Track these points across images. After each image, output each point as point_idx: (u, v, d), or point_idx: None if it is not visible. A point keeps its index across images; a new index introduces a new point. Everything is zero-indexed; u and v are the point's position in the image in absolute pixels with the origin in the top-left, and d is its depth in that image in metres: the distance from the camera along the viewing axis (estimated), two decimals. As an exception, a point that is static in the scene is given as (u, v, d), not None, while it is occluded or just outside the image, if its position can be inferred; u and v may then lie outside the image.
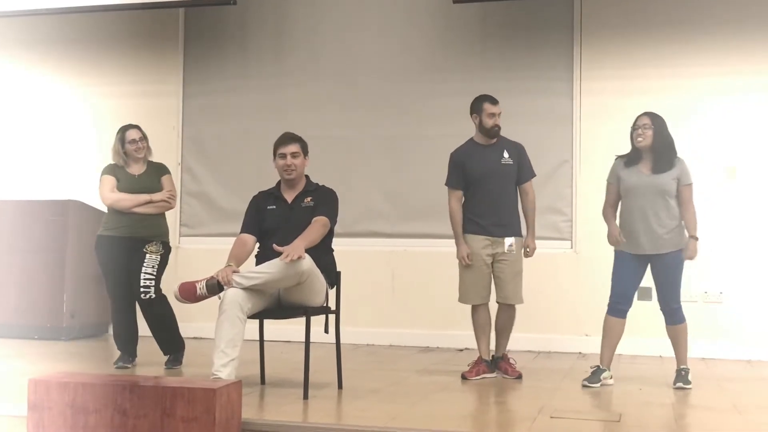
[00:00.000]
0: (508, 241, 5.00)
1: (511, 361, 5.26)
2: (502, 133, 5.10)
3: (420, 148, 6.64)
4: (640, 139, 4.58)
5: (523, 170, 5.08)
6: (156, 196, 5.32)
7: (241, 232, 4.46)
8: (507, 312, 5.14)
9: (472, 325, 5.17)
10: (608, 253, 4.99)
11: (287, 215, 4.40)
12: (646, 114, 4.66)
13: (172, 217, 6.18)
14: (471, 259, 4.93)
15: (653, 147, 4.54)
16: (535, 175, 5.17)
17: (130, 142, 5.40)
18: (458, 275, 5.12)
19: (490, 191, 4.91)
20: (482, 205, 4.95)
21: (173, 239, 6.37)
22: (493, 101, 4.97)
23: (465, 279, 5.01)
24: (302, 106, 6.91)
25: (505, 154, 5.00)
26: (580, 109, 6.52)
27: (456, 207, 5.01)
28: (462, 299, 5.09)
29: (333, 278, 4.45)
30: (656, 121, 4.60)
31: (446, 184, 5.10)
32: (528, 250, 5.17)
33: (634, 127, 4.63)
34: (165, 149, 6.83)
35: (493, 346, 5.26)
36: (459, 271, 5.07)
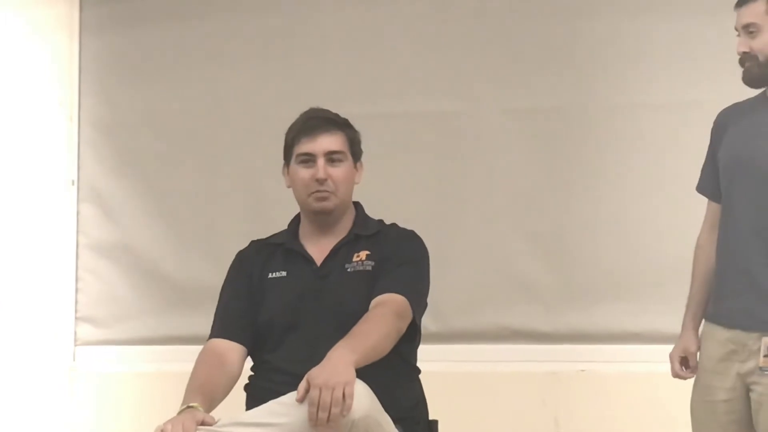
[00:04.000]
0: None
1: None
2: None
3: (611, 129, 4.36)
4: None
5: None
6: None
7: (211, 337, 2.94)
8: None
9: None
10: None
11: (316, 291, 2.85)
12: None
13: (54, 305, 4.63)
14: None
15: None
16: None
17: None
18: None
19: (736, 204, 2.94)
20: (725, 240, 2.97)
21: (54, 349, 4.67)
22: None
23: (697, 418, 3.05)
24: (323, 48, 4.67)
25: None
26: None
27: (707, 242, 3.03)
28: None
29: None
30: None
31: (698, 189, 3.13)
32: None
33: None
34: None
35: None
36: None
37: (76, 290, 4.77)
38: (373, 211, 2.94)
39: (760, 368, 2.72)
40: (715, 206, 2.87)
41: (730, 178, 2.67)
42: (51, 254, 4.49)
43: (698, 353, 3.02)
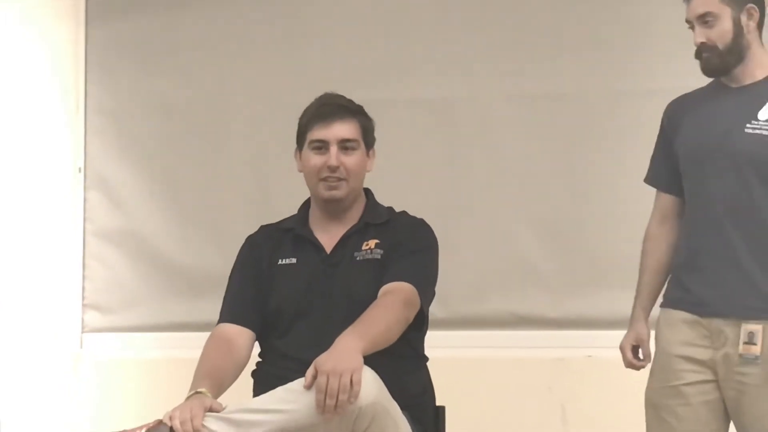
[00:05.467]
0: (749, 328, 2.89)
1: None
2: None
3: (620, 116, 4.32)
4: None
5: None
6: None
7: (219, 322, 2.94)
8: None
9: None
10: None
11: (325, 279, 2.88)
12: None
13: (61, 292, 4.65)
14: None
15: None
16: None
17: None
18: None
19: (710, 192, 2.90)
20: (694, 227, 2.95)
21: (62, 336, 4.70)
22: None
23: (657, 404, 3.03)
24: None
25: (764, 111, 2.86)
26: None
27: (657, 234, 3.03)
28: None
29: (429, 423, 2.95)
30: None
31: (649, 181, 3.16)
32: None
33: None
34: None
35: None
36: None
37: (83, 277, 4.79)
38: (378, 198, 2.98)
39: (741, 355, 2.72)
40: (667, 197, 2.86)
41: (698, 166, 2.65)
42: (58, 241, 4.53)
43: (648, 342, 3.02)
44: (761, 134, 2.57)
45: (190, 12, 4.70)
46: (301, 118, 2.86)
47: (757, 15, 2.60)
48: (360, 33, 4.61)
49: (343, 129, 2.83)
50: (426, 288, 2.80)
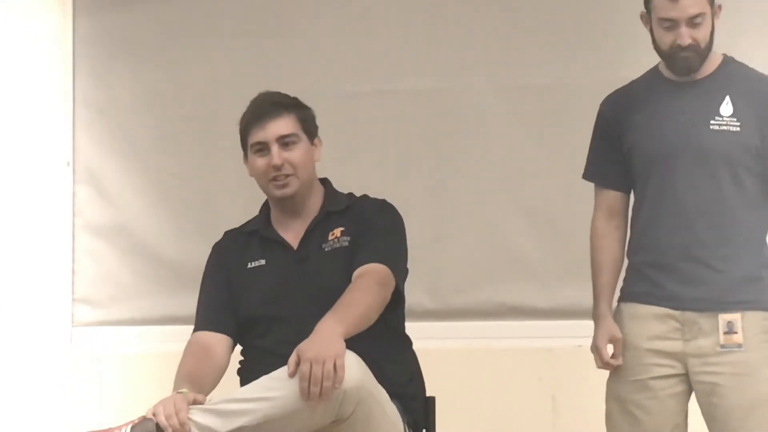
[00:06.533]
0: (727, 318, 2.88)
1: None
2: None
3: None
4: None
5: None
6: None
7: (195, 330, 2.93)
8: None
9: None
10: None
11: (297, 276, 2.87)
12: None
13: (50, 287, 4.58)
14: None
15: None
16: None
17: None
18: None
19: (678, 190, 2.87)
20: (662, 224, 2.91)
21: (52, 330, 4.63)
22: None
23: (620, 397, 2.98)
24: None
25: (726, 106, 2.86)
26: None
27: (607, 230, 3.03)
28: None
29: (419, 413, 2.91)
30: None
31: (592, 178, 3.15)
32: None
33: None
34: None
35: None
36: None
37: (73, 272, 4.75)
38: (366, 191, 2.98)
39: (722, 346, 2.71)
40: (613, 194, 2.83)
41: (661, 162, 2.62)
42: (47, 236, 4.48)
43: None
44: (728, 130, 2.56)
45: (180, 4, 4.66)
46: (239, 124, 2.90)
47: (719, 12, 2.59)
48: (350, 25, 4.57)
49: (279, 126, 2.83)
50: (398, 266, 2.80)
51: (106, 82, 4.67)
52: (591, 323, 4.30)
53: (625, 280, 2.87)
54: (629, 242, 2.77)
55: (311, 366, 2.42)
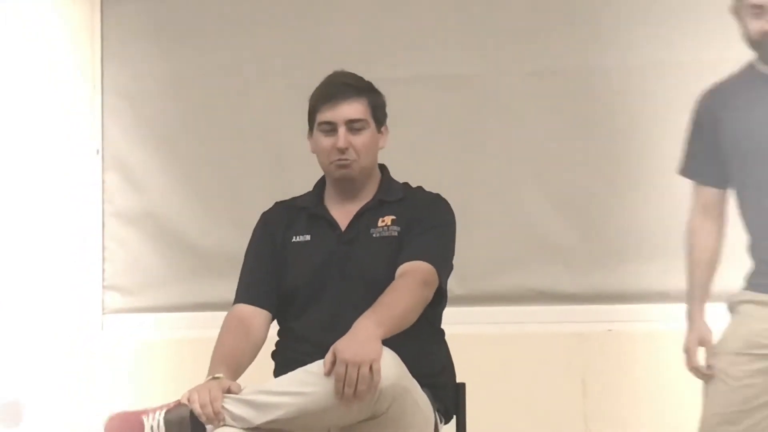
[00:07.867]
0: None
1: None
2: None
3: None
4: None
5: None
6: None
7: (236, 302, 2.88)
8: None
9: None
10: None
11: (341, 257, 2.78)
12: None
13: (81, 274, 4.61)
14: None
15: None
16: None
17: None
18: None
19: None
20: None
21: (83, 318, 4.65)
22: None
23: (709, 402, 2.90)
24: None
25: None
26: None
27: (702, 227, 2.95)
28: None
29: (449, 400, 2.85)
30: None
31: (689, 175, 3.06)
32: None
33: None
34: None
35: None
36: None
37: (103, 259, 4.77)
38: (395, 175, 2.90)
39: None
40: (710, 190, 2.81)
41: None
42: (77, 224, 4.50)
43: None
44: None
45: (206, -9, 4.62)
46: (310, 100, 2.80)
47: None
48: (376, 9, 4.51)
49: (350, 109, 2.75)
50: (444, 265, 2.73)
51: (135, 70, 4.65)
52: (620, 307, 4.36)
53: (753, 274, 2.83)
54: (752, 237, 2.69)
55: (347, 368, 2.38)
